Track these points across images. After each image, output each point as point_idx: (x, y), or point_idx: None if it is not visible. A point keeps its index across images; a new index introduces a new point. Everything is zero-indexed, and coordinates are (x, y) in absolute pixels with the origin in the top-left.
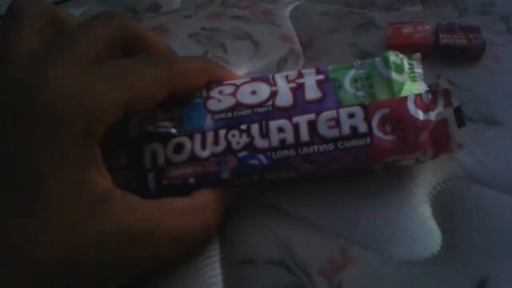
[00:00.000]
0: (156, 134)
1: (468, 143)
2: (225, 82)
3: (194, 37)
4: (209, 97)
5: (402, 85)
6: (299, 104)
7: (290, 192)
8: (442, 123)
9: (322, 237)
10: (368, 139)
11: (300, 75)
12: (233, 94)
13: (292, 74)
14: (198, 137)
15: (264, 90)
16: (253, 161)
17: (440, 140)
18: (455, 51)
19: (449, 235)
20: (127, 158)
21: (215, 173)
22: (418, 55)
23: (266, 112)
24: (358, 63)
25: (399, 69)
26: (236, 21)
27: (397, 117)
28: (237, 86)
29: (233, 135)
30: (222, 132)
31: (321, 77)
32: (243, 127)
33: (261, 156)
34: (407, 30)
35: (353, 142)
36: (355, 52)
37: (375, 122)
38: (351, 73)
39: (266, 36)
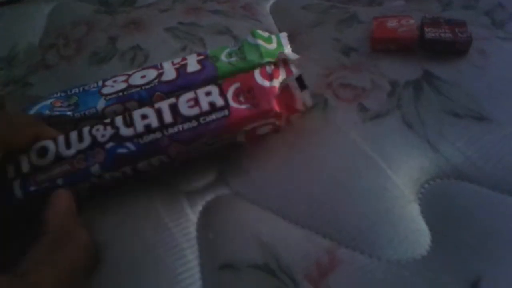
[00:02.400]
0: (52, 118)
1: (457, 140)
2: (119, 74)
3: (171, 31)
4: (103, 85)
5: (268, 50)
6: (182, 77)
7: (273, 191)
8: (285, 88)
9: (308, 239)
10: (226, 111)
11: (184, 59)
12: (126, 80)
13: (177, 60)
14: (61, 138)
15: (152, 73)
16: (122, 150)
17: (287, 102)
18: (441, 45)
19: (438, 234)
20: None
21: (84, 169)
22: (284, 33)
23: (152, 87)
24: (233, 43)
25: (267, 40)
26: (215, 15)
27: (247, 87)
28: (130, 75)
29: (97, 129)
30: (85, 129)
31: (201, 57)
32: (107, 121)
33: (128, 144)
34: (391, 24)
35: (213, 116)
36: (339, 47)
37: (229, 95)
38: (227, 50)
39: (246, 30)
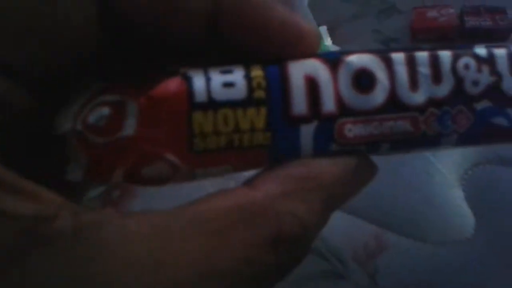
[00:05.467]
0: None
1: None
2: None
3: None
4: None
5: None
6: None
7: None
8: None
9: (354, 224)
10: None
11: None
12: None
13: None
14: (401, 62)
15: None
16: (499, 120)
17: None
18: (481, 34)
19: (482, 220)
20: (253, 83)
21: (432, 137)
22: (324, 27)
23: None
24: None
25: None
26: None
27: None
28: None
29: (467, 67)
30: (445, 60)
31: None
32: (479, 53)
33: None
34: (431, 14)
35: None
36: (379, 38)
37: None
38: None
39: None
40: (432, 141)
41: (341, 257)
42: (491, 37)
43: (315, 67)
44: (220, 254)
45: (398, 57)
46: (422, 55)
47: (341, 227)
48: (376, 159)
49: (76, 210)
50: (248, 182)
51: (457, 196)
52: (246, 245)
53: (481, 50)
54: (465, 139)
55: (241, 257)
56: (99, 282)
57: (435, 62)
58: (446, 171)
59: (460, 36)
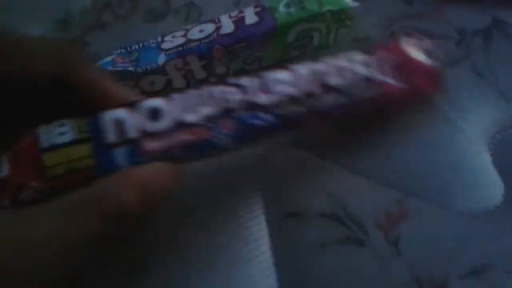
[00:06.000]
0: (115, 74)
1: None
2: (177, 29)
3: None
4: (162, 41)
5: None
6: (240, 29)
7: (337, 143)
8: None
9: (375, 189)
10: (377, 87)
11: (241, 11)
12: (184, 35)
13: (235, 13)
14: (178, 96)
15: (210, 28)
16: (256, 121)
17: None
18: None
19: (511, 185)
20: (76, 130)
21: (208, 141)
22: None
23: (211, 41)
24: None
25: None
26: None
27: (403, 62)
28: (188, 30)
29: (224, 92)
30: (214, 89)
31: (258, 9)
32: (232, 81)
33: (265, 115)
34: None
35: (364, 87)
36: None
37: (381, 69)
38: (284, 0)
39: None
40: (210, 144)
41: (361, 223)
42: None
43: (120, 112)
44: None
45: (176, 96)
46: (195, 92)
47: (361, 193)
48: (399, 124)
49: None
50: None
51: (485, 162)
52: (87, 221)
53: (232, 80)
54: (234, 138)
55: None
56: None
57: (208, 94)
58: (474, 136)
59: None
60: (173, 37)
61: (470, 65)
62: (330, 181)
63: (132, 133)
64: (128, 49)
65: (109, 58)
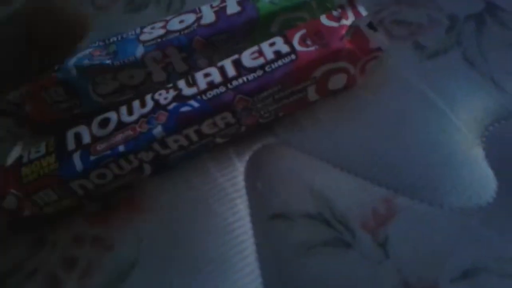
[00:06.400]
0: (91, 67)
1: None
2: (157, 21)
3: None
4: (141, 33)
5: None
6: (221, 19)
7: (323, 139)
8: (357, 31)
9: (362, 187)
10: (293, 55)
11: (223, 1)
12: (164, 27)
13: (216, 2)
14: (123, 107)
15: (190, 18)
16: (185, 108)
17: (359, 45)
18: None
19: (504, 180)
20: (47, 147)
21: (146, 133)
22: None
23: (191, 32)
24: None
25: None
26: None
27: (314, 31)
28: (167, 21)
29: (160, 94)
30: (148, 96)
31: None
32: (169, 85)
33: (191, 102)
34: None
35: (279, 62)
36: None
37: (295, 41)
38: None
39: None
40: (148, 134)
41: (348, 224)
42: None
43: (80, 127)
44: None
45: (123, 108)
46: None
47: (347, 191)
48: (385, 116)
49: None
50: None
51: (477, 156)
52: None
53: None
54: (168, 125)
55: None
56: None
57: (142, 100)
58: (466, 128)
59: None
60: (152, 28)
61: (461, 53)
62: (316, 180)
63: (86, 140)
64: (106, 41)
65: (86, 52)
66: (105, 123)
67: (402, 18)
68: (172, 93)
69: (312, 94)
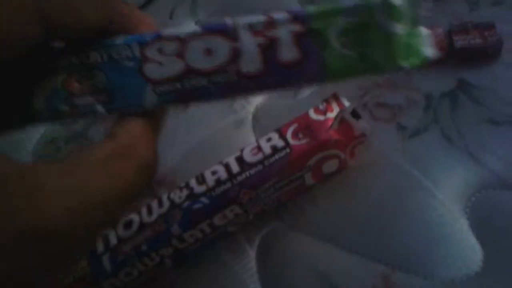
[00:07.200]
0: (74, 115)
1: (497, 149)
2: (163, 35)
3: None
4: (144, 59)
5: (402, 39)
6: (272, 69)
7: (323, 221)
8: (342, 121)
9: (362, 265)
10: (287, 149)
11: (271, 23)
12: (180, 54)
13: (259, 20)
14: (144, 208)
15: (222, 48)
16: (196, 205)
17: (345, 133)
18: (472, 53)
19: (490, 248)
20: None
21: (164, 231)
22: None
23: (229, 82)
24: (350, 6)
25: (400, 15)
26: None
27: (304, 125)
28: (184, 42)
29: (175, 193)
30: (164, 196)
31: (299, 28)
32: (182, 184)
33: (202, 199)
34: None
35: (276, 156)
36: None
37: (289, 136)
38: (340, 21)
39: None
40: (166, 233)
41: None
42: (482, 55)
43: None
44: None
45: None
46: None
47: (348, 270)
48: (376, 194)
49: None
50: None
51: (462, 227)
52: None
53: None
54: (184, 222)
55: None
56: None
57: (159, 201)
58: (449, 201)
59: (450, 56)
60: (160, 51)
61: (439, 130)
62: (320, 261)
63: (113, 242)
64: (83, 59)
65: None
66: (129, 225)
67: (383, 100)
68: (185, 192)
69: (309, 179)
